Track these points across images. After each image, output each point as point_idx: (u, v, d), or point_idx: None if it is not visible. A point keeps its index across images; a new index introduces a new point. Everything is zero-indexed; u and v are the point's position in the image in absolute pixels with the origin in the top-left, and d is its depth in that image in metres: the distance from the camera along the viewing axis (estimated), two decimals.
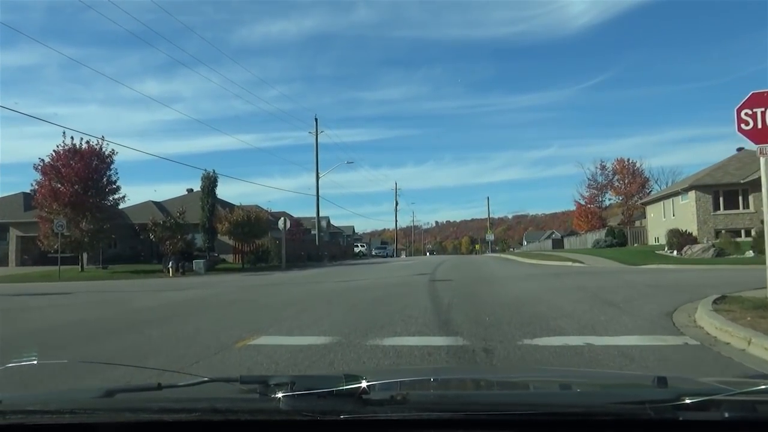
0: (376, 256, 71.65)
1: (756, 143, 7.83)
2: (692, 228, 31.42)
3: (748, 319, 6.39)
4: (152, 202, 45.27)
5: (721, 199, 33.07)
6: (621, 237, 42.08)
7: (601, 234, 44.93)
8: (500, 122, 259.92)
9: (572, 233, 67.80)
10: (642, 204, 47.51)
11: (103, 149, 31.08)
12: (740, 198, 32.90)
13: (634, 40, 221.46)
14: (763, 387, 1.34)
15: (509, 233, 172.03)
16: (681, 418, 1.21)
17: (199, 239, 36.47)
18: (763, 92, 7.76)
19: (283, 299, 12.46)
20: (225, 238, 35.91)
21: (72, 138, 30.35)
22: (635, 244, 40.28)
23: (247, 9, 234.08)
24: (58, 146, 30.29)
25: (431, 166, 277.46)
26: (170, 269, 28.22)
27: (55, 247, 27.85)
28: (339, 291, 14.06)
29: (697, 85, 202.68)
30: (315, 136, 46.37)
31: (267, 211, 43.85)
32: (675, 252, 27.50)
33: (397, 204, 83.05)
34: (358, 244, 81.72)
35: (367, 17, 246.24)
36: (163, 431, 1.30)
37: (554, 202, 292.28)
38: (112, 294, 16.18)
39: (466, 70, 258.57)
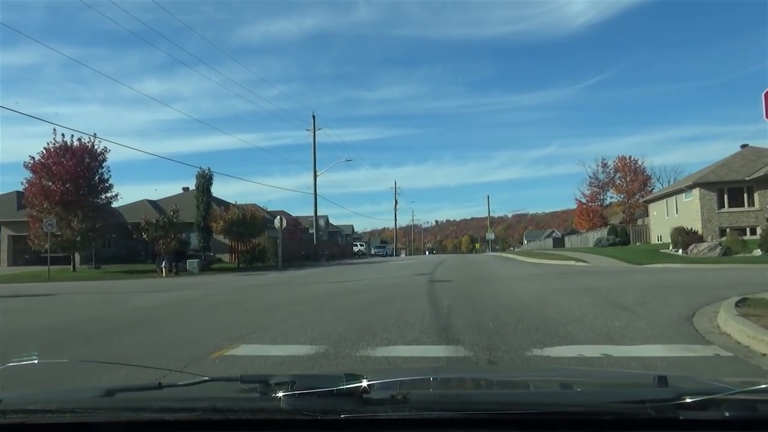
0: (376, 255, 70.95)
1: None
2: (696, 226, 30.74)
3: None
4: (147, 200, 44.60)
5: (725, 197, 32.38)
6: (623, 235, 41.43)
7: (603, 232, 44.26)
8: (500, 121, 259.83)
9: (573, 232, 67.21)
10: (644, 202, 46.84)
11: (96, 146, 30.43)
12: (745, 195, 32.25)
13: (633, 40, 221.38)
14: (763, 386, 1.33)
15: (509, 232, 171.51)
16: (682, 418, 1.20)
17: (194, 238, 35.78)
18: None
19: (274, 301, 11.79)
20: (221, 238, 35.24)
21: (63, 135, 29.70)
22: (638, 243, 39.65)
23: (248, 8, 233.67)
24: (49, 143, 29.61)
25: (431, 166, 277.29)
26: (163, 269, 27.54)
27: (46, 246, 27.14)
28: (333, 293, 13.38)
29: (696, 84, 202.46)
30: (312, 133, 45.67)
31: (264, 209, 43.22)
32: (680, 251, 26.84)
33: (396, 203, 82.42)
34: (358, 244, 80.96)
35: (367, 16, 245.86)
36: (163, 430, 1.28)
37: (554, 201, 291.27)
38: (97, 296, 15.45)
39: (466, 69, 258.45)
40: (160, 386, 1.52)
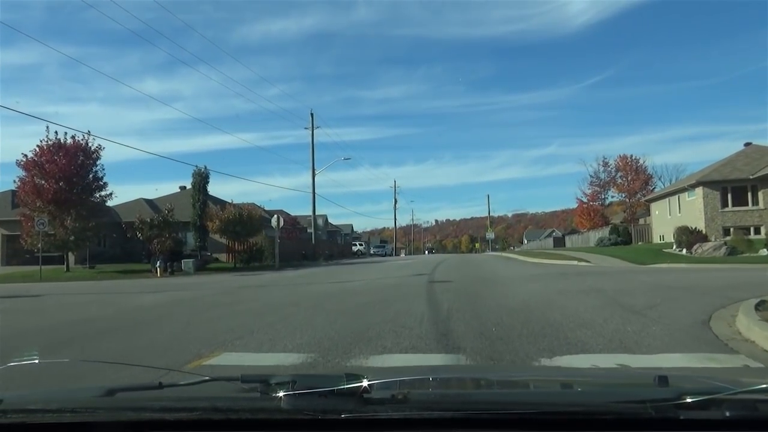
0: (375, 255, 70.42)
1: None
2: (699, 225, 30.26)
3: None
4: (144, 199, 44.06)
5: (729, 196, 31.91)
6: (625, 235, 40.97)
7: (604, 232, 43.78)
8: (500, 121, 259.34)
9: (573, 231, 66.74)
10: (646, 201, 46.35)
11: (90, 144, 29.88)
12: (749, 194, 31.79)
13: (633, 39, 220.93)
14: (764, 386, 1.31)
15: (509, 232, 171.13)
16: (682, 417, 1.20)
17: (191, 238, 35.27)
18: None
19: (265, 303, 11.28)
20: (218, 237, 34.73)
21: (56, 133, 29.16)
22: (639, 243, 39.18)
23: (248, 7, 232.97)
24: (41, 141, 29.05)
25: (431, 165, 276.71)
26: (158, 269, 27.02)
27: (38, 246, 26.61)
28: (328, 294, 12.89)
29: (697, 84, 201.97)
30: (311, 131, 45.18)
31: (261, 208, 42.67)
32: (684, 250, 26.36)
33: (396, 202, 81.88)
34: (357, 243, 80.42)
35: (367, 16, 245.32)
36: (164, 430, 1.27)
37: (554, 201, 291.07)
38: (84, 297, 14.92)
39: (466, 68, 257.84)
40: (160, 386, 1.51)
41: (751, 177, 31.02)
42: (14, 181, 30.20)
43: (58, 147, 29.01)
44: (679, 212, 35.13)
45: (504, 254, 48.58)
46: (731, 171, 32.36)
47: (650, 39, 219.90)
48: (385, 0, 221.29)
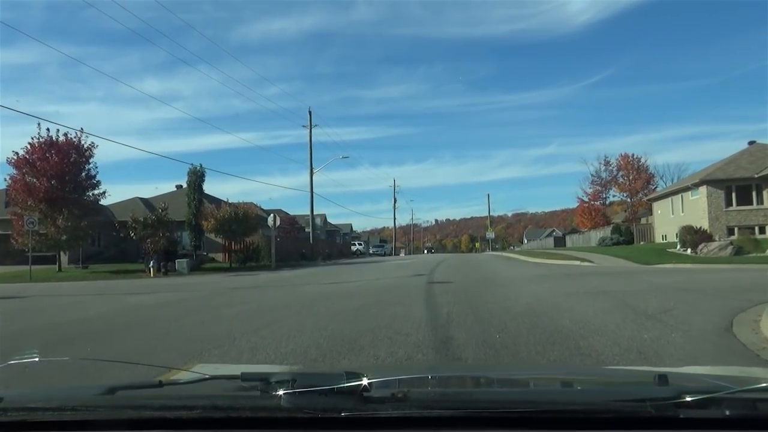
0: (374, 254, 69.86)
1: None
2: (703, 224, 29.69)
3: None
4: (139, 198, 43.49)
5: (733, 195, 31.37)
6: (627, 234, 40.43)
7: (606, 231, 43.23)
8: (500, 120, 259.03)
9: (574, 231, 66.21)
10: (648, 200, 45.82)
11: (82, 142, 29.28)
12: (754, 193, 31.26)
13: (633, 39, 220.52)
14: (764, 385, 1.30)
15: (509, 231, 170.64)
16: (682, 416, 1.19)
17: (187, 237, 34.69)
18: None
19: (256, 306, 10.70)
20: (214, 236, 34.14)
21: (48, 130, 28.56)
22: (641, 242, 38.65)
23: (247, 7, 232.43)
24: (33, 138, 28.44)
25: (431, 164, 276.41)
26: (151, 269, 26.43)
27: (29, 245, 26.02)
28: (323, 295, 12.30)
29: (697, 83, 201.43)
30: (309, 129, 44.59)
31: (259, 207, 42.13)
32: (689, 250, 25.78)
33: (395, 202, 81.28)
34: (356, 243, 79.87)
35: (367, 15, 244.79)
36: (164, 428, 1.26)
37: (554, 200, 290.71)
38: (69, 298, 14.30)
39: (466, 68, 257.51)
40: (160, 384, 1.50)
41: (755, 176, 30.50)
42: (5, 179, 29.68)
43: (50, 144, 28.42)
44: (682, 211, 34.58)
45: (504, 254, 47.98)
46: (735, 169, 31.82)
47: (650, 38, 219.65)
48: None
